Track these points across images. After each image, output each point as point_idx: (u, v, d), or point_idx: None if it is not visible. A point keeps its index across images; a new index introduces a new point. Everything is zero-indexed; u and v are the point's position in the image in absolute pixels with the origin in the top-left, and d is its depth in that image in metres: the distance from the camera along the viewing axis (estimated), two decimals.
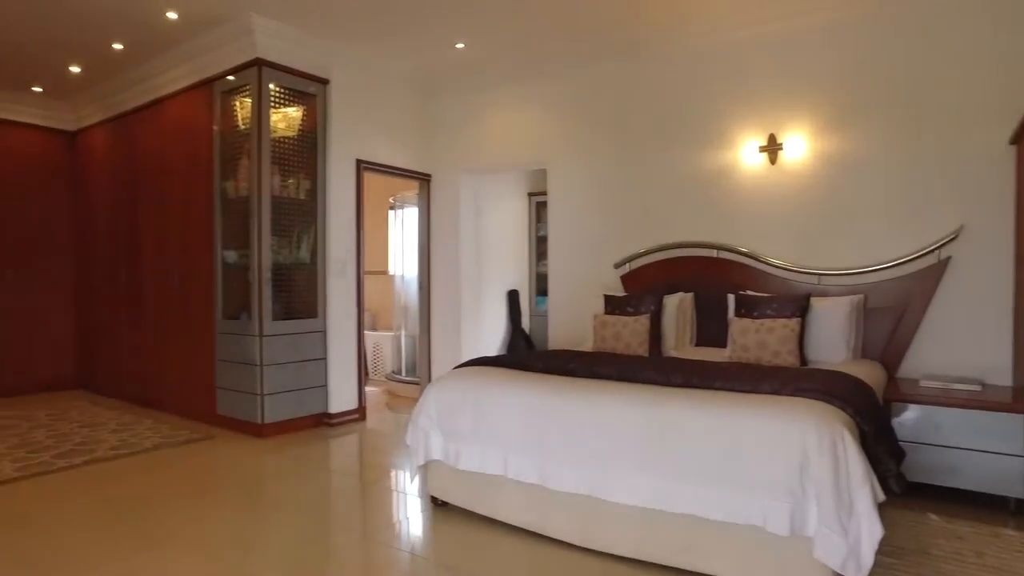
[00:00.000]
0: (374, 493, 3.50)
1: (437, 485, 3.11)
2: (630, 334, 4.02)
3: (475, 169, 5.76)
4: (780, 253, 4.22)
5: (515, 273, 6.63)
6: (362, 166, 5.13)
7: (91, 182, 6.23)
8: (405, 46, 4.84)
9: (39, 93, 5.98)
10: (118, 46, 4.81)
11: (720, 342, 4.13)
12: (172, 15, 4.25)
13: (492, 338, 6.29)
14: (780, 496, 2.07)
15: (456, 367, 3.34)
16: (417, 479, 3.32)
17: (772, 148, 4.26)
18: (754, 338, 3.60)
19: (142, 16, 4.27)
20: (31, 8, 4.16)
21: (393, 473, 3.82)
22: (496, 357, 3.48)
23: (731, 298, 4.09)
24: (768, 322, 3.62)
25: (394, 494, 3.47)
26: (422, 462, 3.09)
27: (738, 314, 3.90)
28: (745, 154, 4.38)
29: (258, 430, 4.51)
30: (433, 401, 3.07)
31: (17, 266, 6.11)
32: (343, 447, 4.43)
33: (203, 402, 4.92)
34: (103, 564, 2.50)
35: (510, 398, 2.82)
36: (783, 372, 2.80)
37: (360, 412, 5.12)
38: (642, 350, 3.97)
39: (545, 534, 2.70)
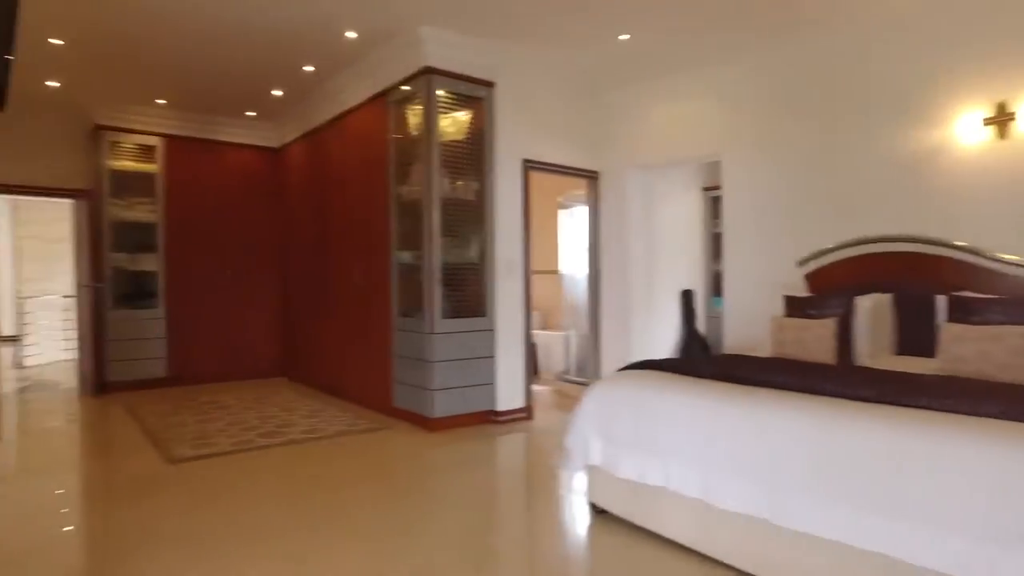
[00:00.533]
0: (535, 494, 3.46)
1: (597, 491, 2.97)
2: (814, 339, 3.58)
3: (644, 164, 5.53)
4: (1012, 247, 3.50)
5: (689, 272, 6.27)
6: (528, 166, 5.14)
7: (291, 192, 6.94)
8: (569, 43, 4.76)
9: (252, 116, 6.78)
10: (309, 68, 5.28)
11: (926, 351, 3.50)
12: (351, 34, 4.57)
13: (664, 340, 6.00)
14: (1013, 546, 1.65)
15: (619, 369, 3.18)
16: (577, 483, 3.22)
17: (1002, 119, 3.55)
18: (973, 347, 3.00)
19: (326, 39, 4.64)
20: (243, 44, 4.72)
21: (556, 475, 3.75)
22: (662, 360, 3.26)
23: (942, 300, 3.48)
24: (993, 329, 3.00)
25: (555, 497, 3.39)
26: (581, 467, 2.98)
27: (952, 319, 3.30)
28: (962, 129, 3.70)
29: (428, 424, 4.69)
30: (593, 404, 2.94)
31: (235, 267, 6.97)
32: (508, 445, 4.46)
33: (382, 394, 5.24)
34: (274, 539, 2.70)
35: (674, 405, 2.60)
36: (1015, 391, 2.28)
37: (527, 411, 5.13)
38: (827, 358, 3.50)
39: (711, 556, 2.45)
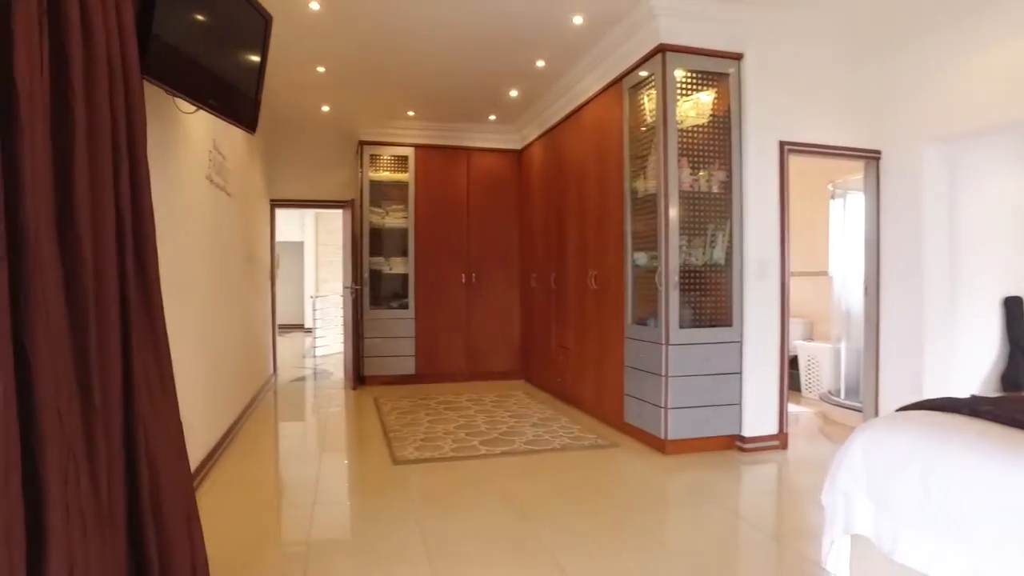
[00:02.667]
0: (781, 558, 2.76)
1: (864, 573, 2.20)
2: None
3: (944, 136, 4.31)
4: None
5: (1013, 274, 4.80)
6: (787, 149, 4.32)
7: (531, 193, 6.89)
8: None
9: (493, 121, 6.87)
10: (540, 63, 5.09)
11: None
12: (578, 19, 4.24)
13: (974, 363, 4.66)
14: None
15: (901, 409, 2.35)
16: (836, 557, 2.44)
17: None
18: None
19: (553, 28, 4.39)
20: (475, 47, 4.72)
21: (814, 533, 2.98)
22: (967, 400, 2.29)
23: None
24: None
25: (808, 566, 2.65)
26: (840, 535, 2.23)
27: None
28: None
29: (661, 445, 4.17)
30: (861, 453, 2.17)
31: (480, 270, 7.13)
32: (754, 481, 3.75)
33: (612, 407, 4.84)
34: (457, 558, 2.44)
35: (989, 472, 1.76)
36: None
37: (781, 439, 4.32)
38: None
39: None
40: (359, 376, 6.78)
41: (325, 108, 6.32)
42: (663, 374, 4.14)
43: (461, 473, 3.76)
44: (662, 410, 4.14)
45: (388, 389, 6.59)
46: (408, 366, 6.88)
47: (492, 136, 7.15)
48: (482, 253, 7.18)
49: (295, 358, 9.56)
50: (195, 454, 3.41)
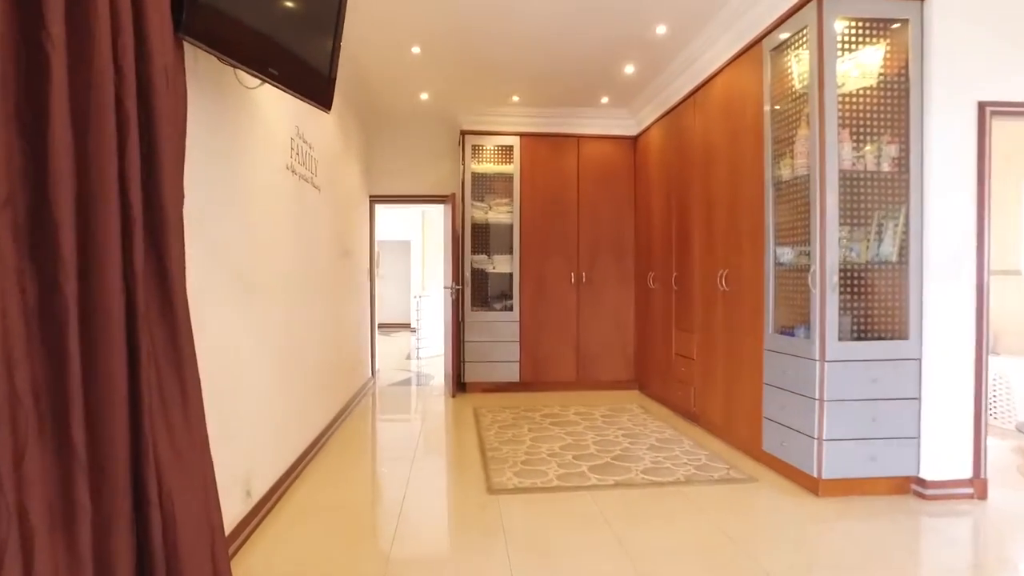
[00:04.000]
0: None
1: None
2: None
3: None
4: None
5: None
6: (989, 111, 3.37)
7: (648, 183, 6.17)
8: None
9: (606, 103, 6.21)
10: (661, 29, 4.39)
11: None
12: None
13: None
14: None
15: None
16: None
17: None
18: None
19: None
20: (590, 16, 4.12)
21: None
22: None
23: None
24: None
25: None
26: None
27: None
28: None
29: (813, 484, 3.37)
30: None
31: (591, 268, 6.50)
32: (946, 545, 2.87)
33: (747, 432, 4.07)
34: None
35: None
36: None
37: (977, 486, 3.38)
38: None
39: None
40: (459, 382, 6.36)
41: (424, 96, 5.94)
42: (817, 397, 3.34)
43: (566, 508, 3.17)
44: (815, 441, 3.34)
45: (490, 398, 6.11)
46: (511, 373, 6.37)
47: (604, 121, 6.49)
48: (593, 250, 6.53)
49: (399, 359, 9.36)
50: (263, 483, 3.05)
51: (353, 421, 5.17)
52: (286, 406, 3.50)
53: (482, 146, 6.45)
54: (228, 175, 2.64)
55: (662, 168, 5.76)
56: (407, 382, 7.30)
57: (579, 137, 6.48)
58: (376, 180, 6.90)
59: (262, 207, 3.10)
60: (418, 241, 13.61)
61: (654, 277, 5.97)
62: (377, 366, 7.33)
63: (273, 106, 3.25)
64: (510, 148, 6.43)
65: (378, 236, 12.98)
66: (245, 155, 2.85)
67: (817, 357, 3.34)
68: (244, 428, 2.80)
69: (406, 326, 13.50)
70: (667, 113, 5.58)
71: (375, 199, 6.95)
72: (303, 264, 3.92)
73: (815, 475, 3.34)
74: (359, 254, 6.28)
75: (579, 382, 6.49)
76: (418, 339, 9.81)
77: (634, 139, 6.53)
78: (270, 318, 3.19)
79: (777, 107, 3.80)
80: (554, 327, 6.45)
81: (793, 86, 3.67)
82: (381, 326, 14.33)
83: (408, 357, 9.58)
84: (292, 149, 3.61)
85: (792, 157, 3.65)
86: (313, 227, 4.20)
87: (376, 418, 5.52)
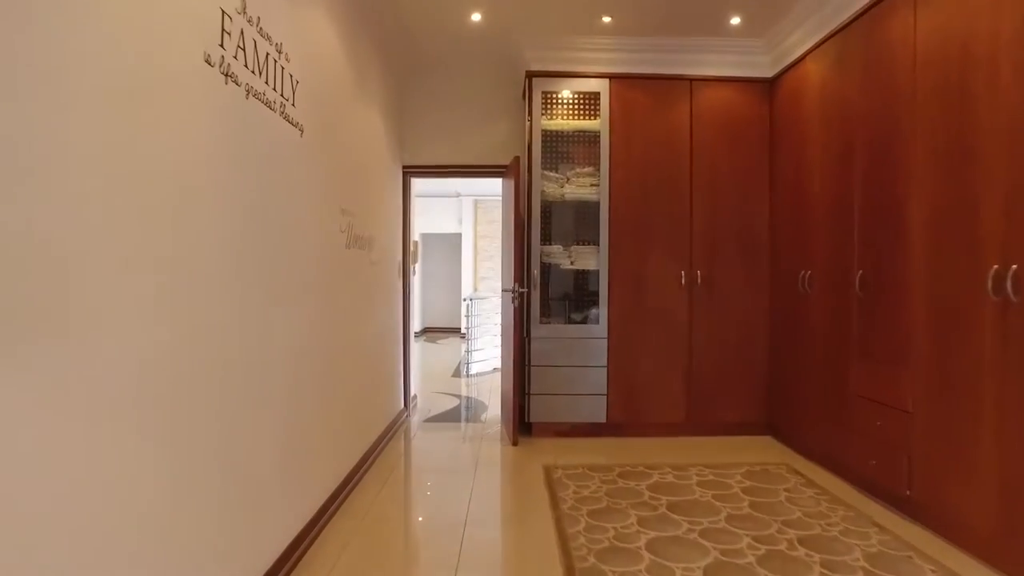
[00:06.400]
0: None
1: None
2: None
3: None
4: None
5: None
6: None
7: (798, 141, 4.26)
8: None
9: (736, 27, 4.34)
10: None
11: None
12: None
13: None
14: None
15: None
16: None
17: None
18: None
19: None
20: None
21: None
22: None
23: None
24: None
25: None
26: None
27: None
28: None
29: None
30: None
31: (710, 265, 4.64)
32: None
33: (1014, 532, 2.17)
34: None
35: None
36: None
37: None
38: None
39: None
40: (522, 420, 4.61)
41: (475, 16, 4.20)
42: None
43: None
44: None
45: (566, 447, 4.34)
46: (596, 410, 4.56)
47: (731, 57, 4.62)
48: (712, 239, 4.66)
49: (443, 377, 7.64)
50: None
51: (363, 495, 3.42)
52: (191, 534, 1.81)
53: (556, 93, 4.67)
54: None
55: (830, 117, 3.83)
56: (452, 415, 5.53)
57: (694, 80, 4.62)
58: (411, 146, 5.21)
59: (118, 126, 1.41)
60: (470, 234, 11.90)
61: (810, 277, 4.06)
62: (413, 390, 5.60)
63: None
64: (596, 96, 4.62)
65: (422, 228, 11.45)
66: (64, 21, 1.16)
67: None
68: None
69: (456, 331, 11.82)
70: (830, 37, 3.69)
71: (410, 171, 5.25)
72: (258, 249, 2.22)
73: None
74: (387, 244, 4.59)
75: (689, 423, 4.63)
76: (468, 349, 8.10)
77: (769, 82, 4.63)
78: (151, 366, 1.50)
79: None
80: (656, 347, 4.60)
81: None
82: (427, 331, 12.71)
83: (455, 374, 7.85)
84: (225, 32, 1.91)
85: None
86: (285, 188, 2.50)
87: (404, 484, 3.81)
